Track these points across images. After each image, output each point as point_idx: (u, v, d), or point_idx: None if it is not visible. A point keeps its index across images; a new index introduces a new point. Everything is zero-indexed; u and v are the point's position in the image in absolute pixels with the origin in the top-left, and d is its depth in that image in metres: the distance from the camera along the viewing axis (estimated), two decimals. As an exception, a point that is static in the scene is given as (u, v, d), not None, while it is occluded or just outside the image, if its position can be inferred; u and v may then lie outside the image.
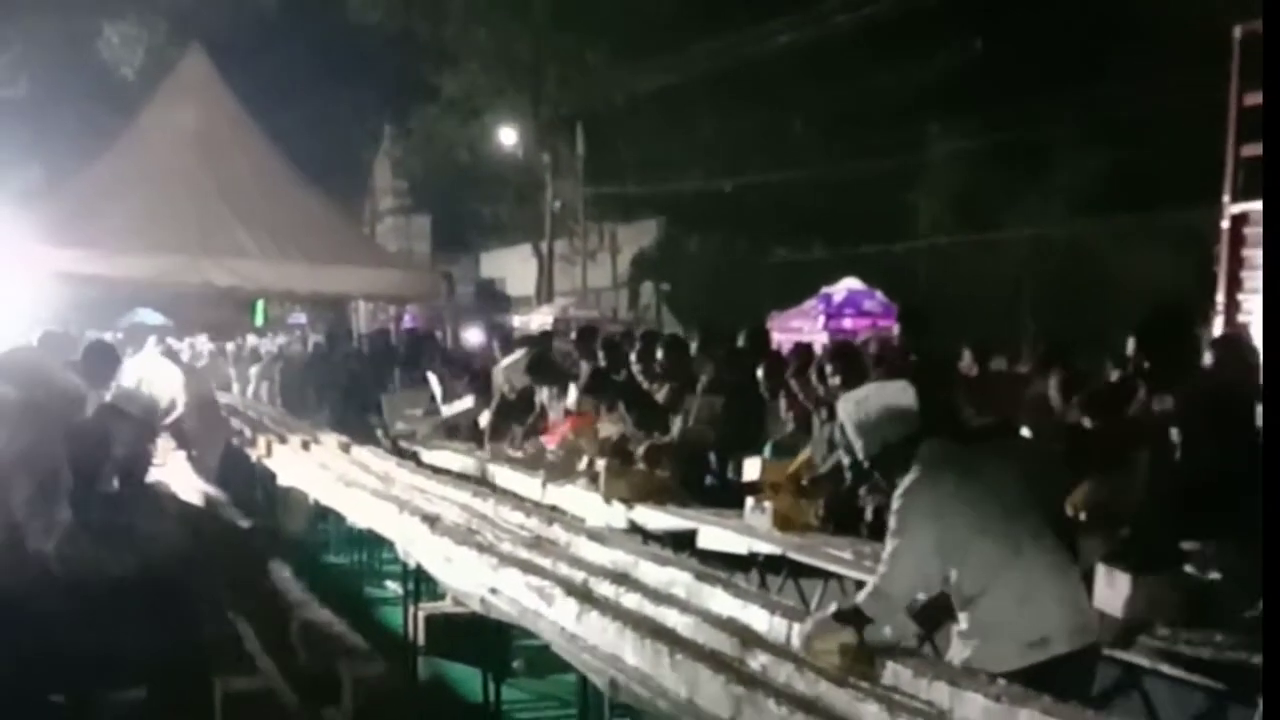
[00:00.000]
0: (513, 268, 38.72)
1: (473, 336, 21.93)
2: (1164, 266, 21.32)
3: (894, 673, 4.12)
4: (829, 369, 7.37)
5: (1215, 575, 4.56)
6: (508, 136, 35.47)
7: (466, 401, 12.47)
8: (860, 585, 6.21)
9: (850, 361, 7.42)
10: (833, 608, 4.50)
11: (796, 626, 4.49)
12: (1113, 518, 4.94)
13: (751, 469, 7.49)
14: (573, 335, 12.93)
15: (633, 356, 9.94)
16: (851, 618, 4.32)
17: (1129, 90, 22.50)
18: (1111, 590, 4.60)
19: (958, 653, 4.38)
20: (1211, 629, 4.45)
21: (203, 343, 20.43)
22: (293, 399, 15.99)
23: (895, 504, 4.40)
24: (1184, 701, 4.56)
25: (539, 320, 26.99)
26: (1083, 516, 4.97)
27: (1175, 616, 4.53)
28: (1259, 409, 4.63)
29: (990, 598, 4.31)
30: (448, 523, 7.39)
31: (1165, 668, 4.52)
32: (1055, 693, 3.66)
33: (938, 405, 5.21)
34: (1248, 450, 4.71)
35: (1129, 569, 4.57)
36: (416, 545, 7.24)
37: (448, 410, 12.63)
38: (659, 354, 9.60)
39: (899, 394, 4.57)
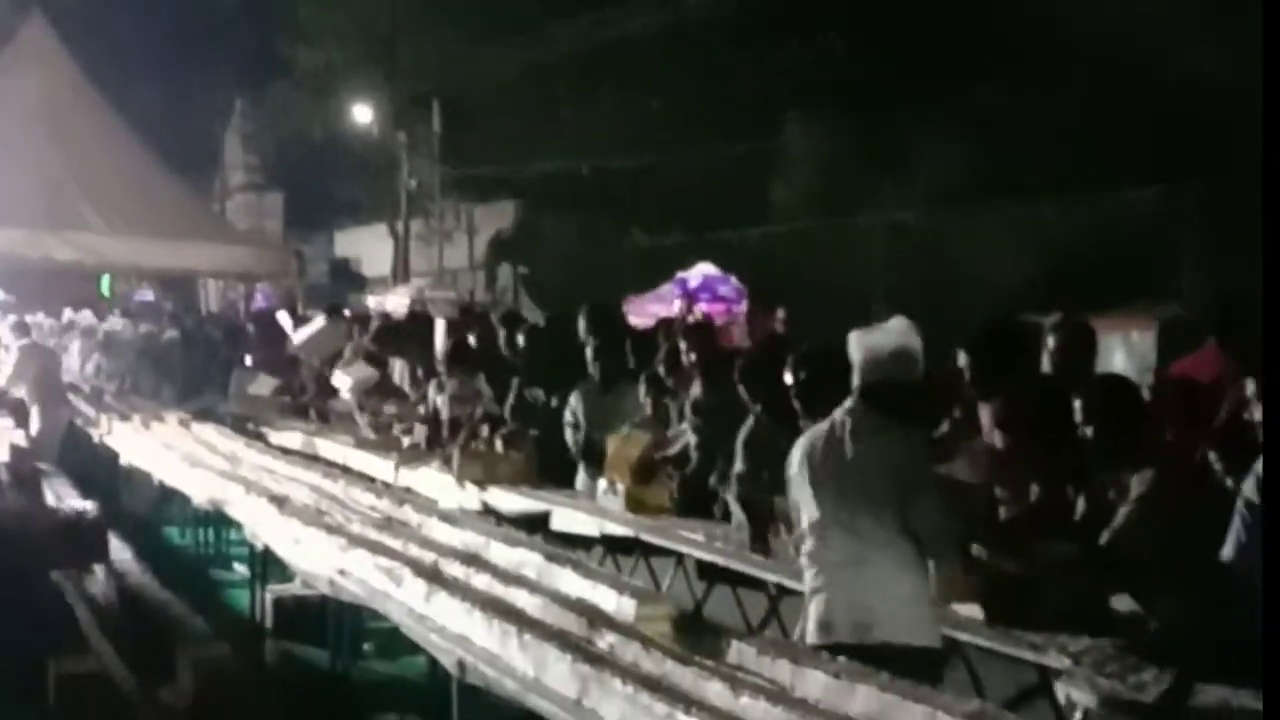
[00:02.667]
0: (368, 247, 38.18)
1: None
2: (1015, 256, 21.90)
3: (738, 651, 4.19)
4: (684, 346, 7.42)
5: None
6: (363, 113, 34.97)
7: (268, 381, 12.38)
8: (710, 566, 6.34)
9: (706, 340, 7.47)
10: None
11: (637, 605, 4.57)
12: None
13: (608, 448, 7.49)
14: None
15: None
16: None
17: (987, 82, 23.06)
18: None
19: (803, 620, 4.62)
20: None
21: (43, 319, 19.80)
22: (136, 378, 15.58)
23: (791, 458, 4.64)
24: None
25: (395, 301, 26.68)
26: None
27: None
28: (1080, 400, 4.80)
29: (810, 573, 4.53)
30: (296, 504, 7.30)
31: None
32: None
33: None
34: (1075, 451, 4.89)
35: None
36: (264, 526, 7.14)
37: (254, 389, 12.50)
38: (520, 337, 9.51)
39: (909, 334, 4.55)
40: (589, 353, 8.19)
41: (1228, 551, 4.08)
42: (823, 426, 4.57)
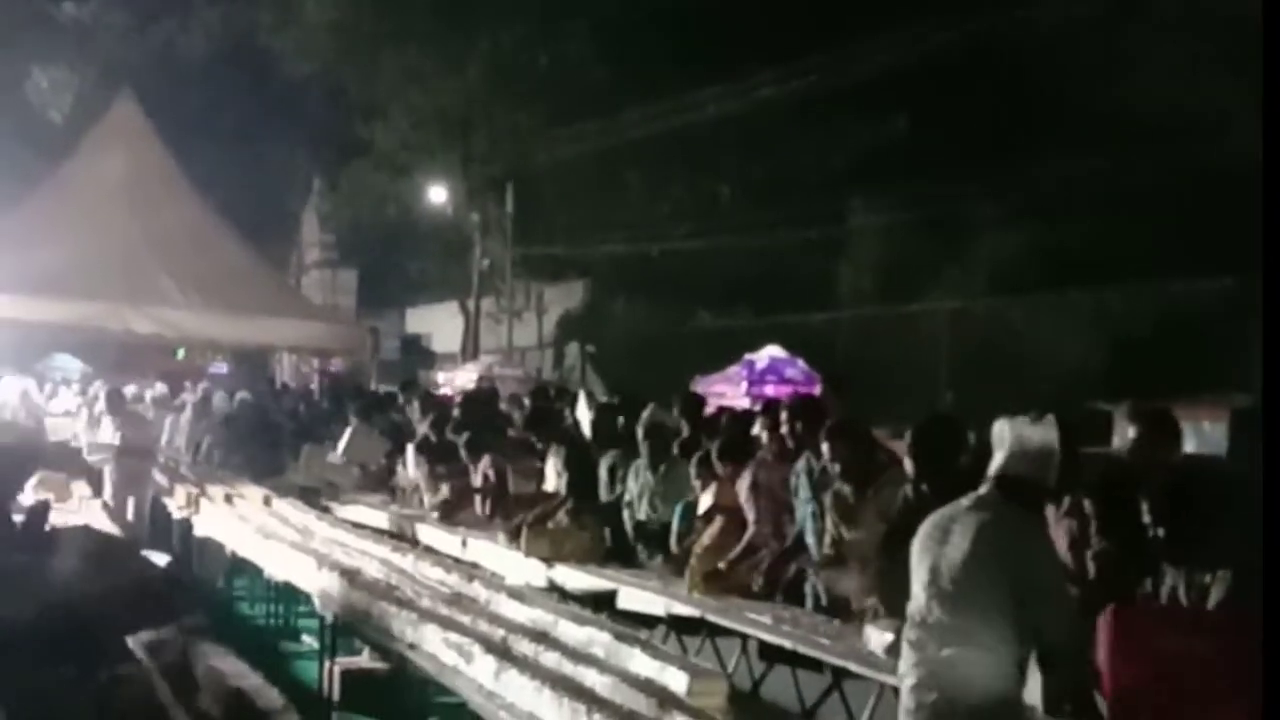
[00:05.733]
0: (439, 324, 38.63)
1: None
2: (1081, 343, 21.78)
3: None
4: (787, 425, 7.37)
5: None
6: (437, 194, 35.48)
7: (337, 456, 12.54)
8: (773, 648, 6.33)
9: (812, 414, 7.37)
10: None
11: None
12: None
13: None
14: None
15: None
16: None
17: (1050, 169, 23.08)
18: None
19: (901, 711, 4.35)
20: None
21: (135, 390, 20.22)
22: (213, 450, 15.81)
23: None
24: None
25: (464, 377, 26.94)
26: None
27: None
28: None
29: (925, 671, 4.19)
30: (367, 577, 7.39)
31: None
32: None
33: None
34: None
35: None
36: (335, 599, 7.23)
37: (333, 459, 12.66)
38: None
39: (1054, 434, 4.33)
40: (641, 431, 8.42)
41: None
42: (948, 511, 4.32)
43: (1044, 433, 4.26)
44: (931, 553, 4.21)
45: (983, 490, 4.26)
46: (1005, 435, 4.29)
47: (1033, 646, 4.11)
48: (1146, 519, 4.88)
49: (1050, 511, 5.44)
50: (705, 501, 7.69)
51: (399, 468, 11.75)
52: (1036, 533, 4.26)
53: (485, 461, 10.10)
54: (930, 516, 4.34)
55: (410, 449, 11.44)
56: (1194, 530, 4.74)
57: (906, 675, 4.23)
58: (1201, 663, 4.29)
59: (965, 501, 4.26)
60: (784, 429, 7.26)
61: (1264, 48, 3.61)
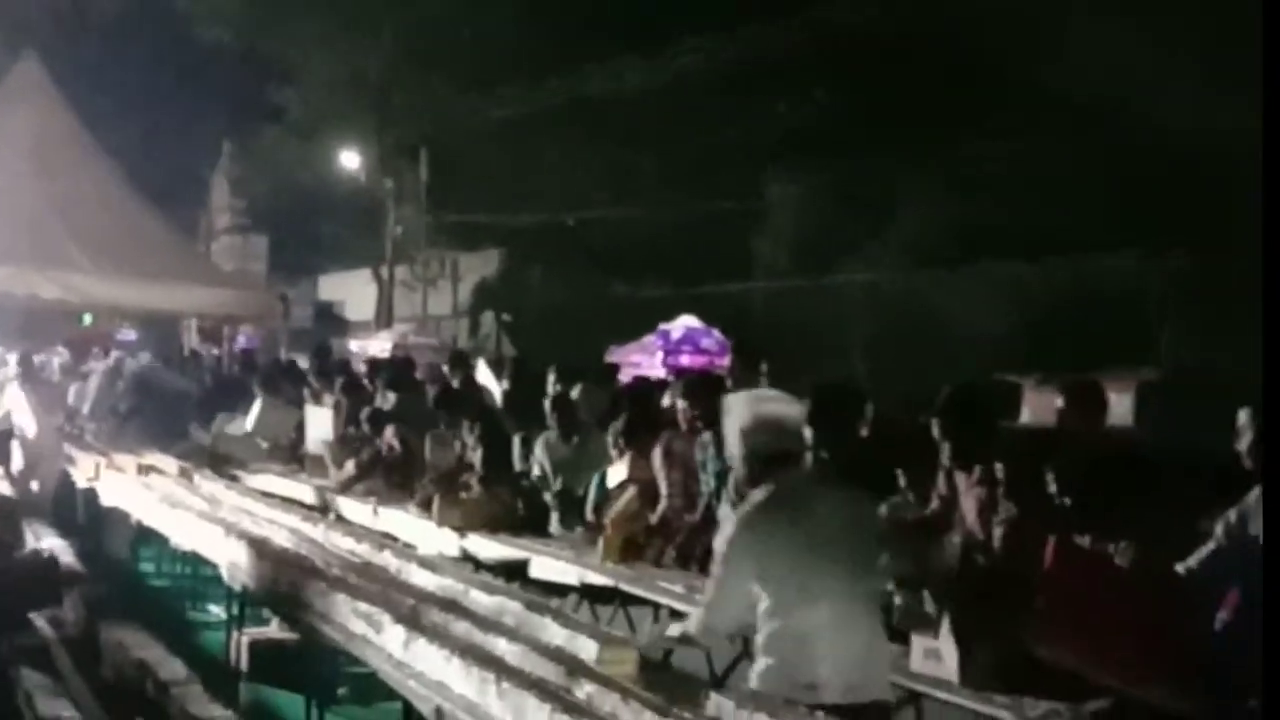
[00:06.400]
0: (352, 292, 38.21)
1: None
2: (994, 316, 22.07)
3: (716, 704, 4.20)
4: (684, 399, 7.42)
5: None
6: (351, 160, 35.10)
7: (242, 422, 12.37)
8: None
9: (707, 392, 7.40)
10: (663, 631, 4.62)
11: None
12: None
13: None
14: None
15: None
16: (679, 645, 4.46)
17: (971, 143, 23.32)
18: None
19: (755, 677, 4.42)
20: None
21: (46, 358, 19.75)
22: (115, 416, 15.51)
23: (731, 531, 4.44)
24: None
25: (378, 345, 26.70)
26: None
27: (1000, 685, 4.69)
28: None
29: (780, 636, 4.32)
30: (275, 547, 7.29)
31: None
32: None
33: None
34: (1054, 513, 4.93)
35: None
36: (242, 569, 7.13)
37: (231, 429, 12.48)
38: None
39: (785, 402, 4.59)
40: (547, 406, 8.44)
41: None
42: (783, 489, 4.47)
43: (785, 407, 4.55)
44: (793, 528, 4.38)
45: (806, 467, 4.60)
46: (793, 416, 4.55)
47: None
48: (1054, 489, 4.96)
49: (961, 480, 5.53)
50: (620, 472, 7.68)
51: (309, 437, 11.61)
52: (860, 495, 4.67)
53: (394, 431, 10.02)
54: (777, 497, 4.44)
55: (319, 418, 11.32)
56: (1102, 500, 4.83)
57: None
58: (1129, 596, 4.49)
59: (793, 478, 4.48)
60: (682, 403, 7.32)
61: (1264, 47, 3.64)
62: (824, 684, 4.26)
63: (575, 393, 8.76)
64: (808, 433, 4.71)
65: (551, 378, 9.28)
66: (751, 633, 4.44)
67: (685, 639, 4.54)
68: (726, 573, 4.42)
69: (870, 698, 4.35)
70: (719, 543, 4.51)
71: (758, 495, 4.43)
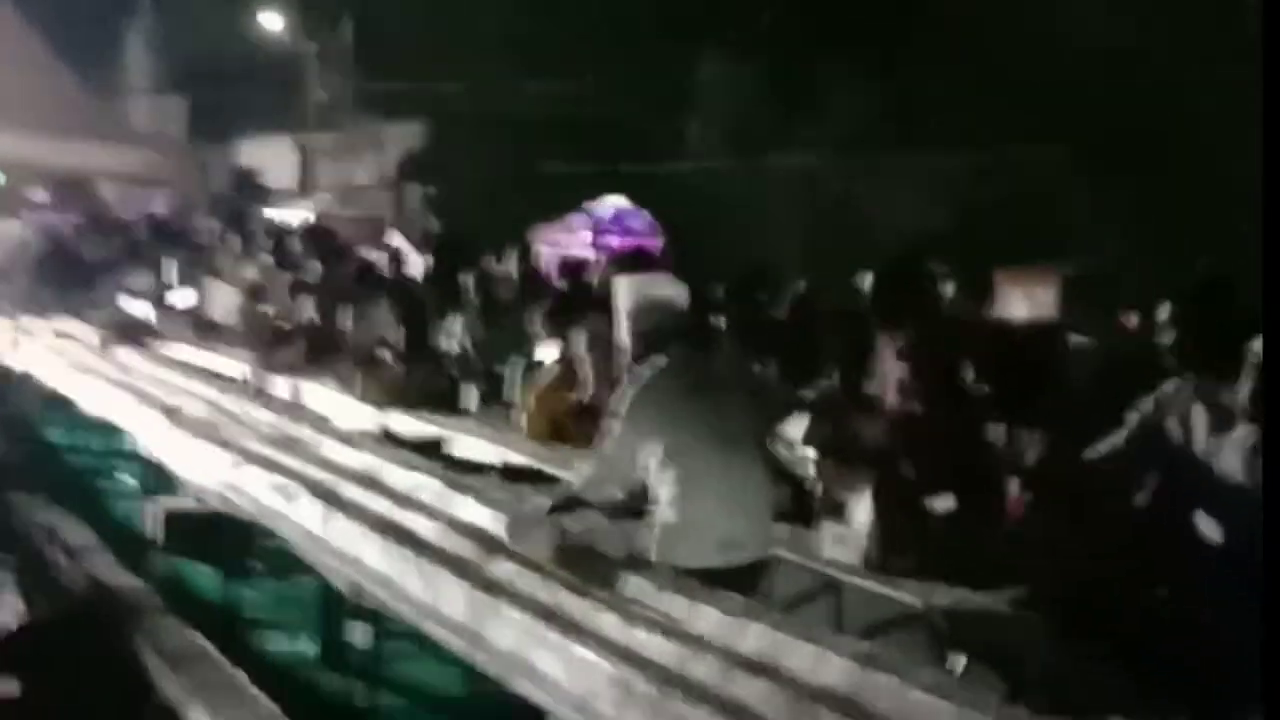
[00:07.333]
0: (272, 159, 37.37)
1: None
2: (922, 206, 22.09)
3: (636, 585, 4.19)
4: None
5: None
6: (273, 20, 34.14)
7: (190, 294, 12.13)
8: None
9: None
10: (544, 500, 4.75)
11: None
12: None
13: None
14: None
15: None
16: (567, 505, 4.60)
17: (901, 32, 23.14)
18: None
19: (654, 541, 4.53)
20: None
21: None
22: (25, 282, 15.12)
23: (629, 392, 4.58)
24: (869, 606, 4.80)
25: (298, 215, 26.23)
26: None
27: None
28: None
29: (695, 499, 4.50)
30: (189, 416, 7.17)
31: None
32: (744, 590, 4.07)
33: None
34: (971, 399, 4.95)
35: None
36: (155, 438, 7.01)
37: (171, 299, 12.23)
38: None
39: (668, 284, 4.85)
40: (470, 283, 8.37)
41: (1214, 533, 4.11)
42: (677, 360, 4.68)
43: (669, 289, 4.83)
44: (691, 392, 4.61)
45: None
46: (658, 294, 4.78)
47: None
48: (971, 375, 4.99)
49: (887, 355, 5.56)
50: (549, 353, 7.62)
51: (220, 305, 11.37)
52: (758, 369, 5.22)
53: (314, 303, 9.86)
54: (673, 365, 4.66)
55: (234, 287, 11.11)
56: (1018, 387, 4.88)
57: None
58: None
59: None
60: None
61: (1264, 47, 3.57)
62: (723, 543, 4.46)
63: (497, 269, 8.67)
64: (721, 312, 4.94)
65: (473, 254, 9.18)
66: (637, 491, 4.60)
67: (571, 498, 4.69)
68: (622, 429, 4.55)
69: (758, 557, 4.61)
70: (615, 401, 4.59)
71: (658, 361, 4.61)
